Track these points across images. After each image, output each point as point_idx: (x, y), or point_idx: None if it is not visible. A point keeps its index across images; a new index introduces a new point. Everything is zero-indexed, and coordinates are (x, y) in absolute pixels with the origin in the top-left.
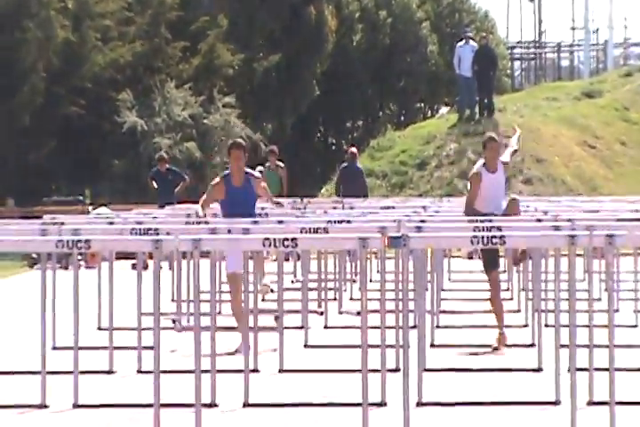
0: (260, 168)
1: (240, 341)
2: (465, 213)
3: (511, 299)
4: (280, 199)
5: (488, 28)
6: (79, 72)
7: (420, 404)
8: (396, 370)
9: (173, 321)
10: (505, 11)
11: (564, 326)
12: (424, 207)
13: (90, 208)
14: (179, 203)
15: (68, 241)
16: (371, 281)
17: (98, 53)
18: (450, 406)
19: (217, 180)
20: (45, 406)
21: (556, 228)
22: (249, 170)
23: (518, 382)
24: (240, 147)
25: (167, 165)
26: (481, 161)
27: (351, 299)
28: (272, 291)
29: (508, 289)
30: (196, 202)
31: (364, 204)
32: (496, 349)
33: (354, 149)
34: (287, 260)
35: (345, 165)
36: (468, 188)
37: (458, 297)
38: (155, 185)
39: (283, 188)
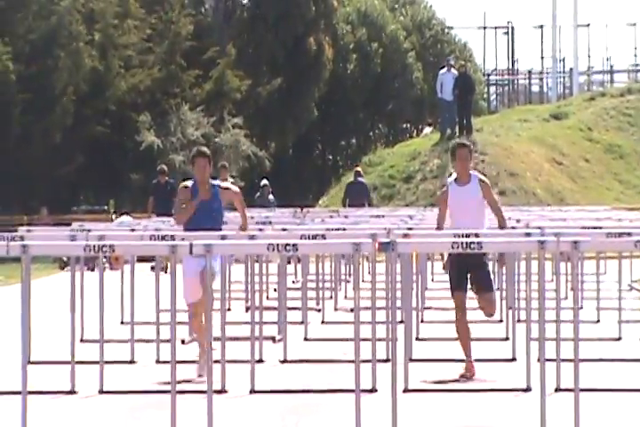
0: (264, 181)
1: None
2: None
3: None
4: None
5: (467, 57)
6: (104, 96)
7: (406, 390)
8: (386, 360)
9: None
10: (482, 42)
11: (534, 321)
12: (410, 216)
13: (113, 216)
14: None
15: (94, 246)
16: (363, 281)
17: (121, 79)
18: (433, 392)
19: (184, 185)
20: (74, 392)
21: (528, 234)
22: (215, 181)
23: (494, 371)
24: (204, 155)
25: (166, 178)
26: (453, 175)
27: (345, 297)
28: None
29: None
30: None
31: (357, 213)
32: (464, 376)
33: (358, 168)
34: (289, 262)
35: (351, 180)
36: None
37: (440, 296)
38: (151, 200)
39: None
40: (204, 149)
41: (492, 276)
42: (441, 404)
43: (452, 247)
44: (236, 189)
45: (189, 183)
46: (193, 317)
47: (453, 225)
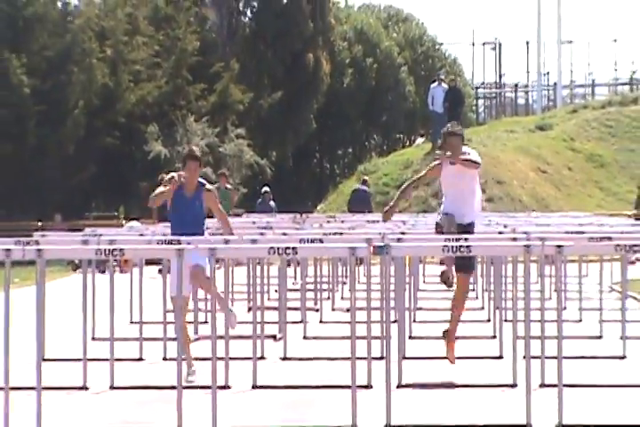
0: (266, 188)
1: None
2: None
3: (476, 298)
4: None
5: (456, 72)
6: (114, 109)
7: (400, 386)
8: (380, 358)
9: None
10: (471, 57)
11: (520, 320)
12: (403, 222)
13: (123, 222)
14: None
15: (105, 249)
16: (359, 283)
17: (130, 93)
18: (425, 388)
19: (171, 177)
20: (86, 388)
21: (514, 239)
22: (203, 181)
23: (482, 367)
24: (196, 159)
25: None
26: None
27: (342, 298)
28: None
29: (473, 290)
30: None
31: (353, 218)
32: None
33: (366, 177)
34: (289, 265)
35: (356, 187)
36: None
37: (432, 296)
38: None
39: (231, 206)
40: (196, 151)
41: (473, 261)
42: (432, 399)
43: (443, 251)
44: (215, 193)
45: (176, 175)
46: (182, 315)
47: (446, 204)
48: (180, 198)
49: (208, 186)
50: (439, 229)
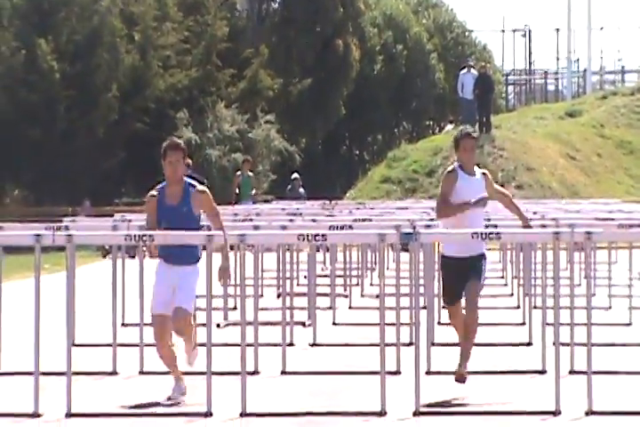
0: (295, 175)
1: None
2: (438, 217)
3: (505, 285)
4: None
5: (486, 59)
6: (144, 94)
7: (428, 373)
8: (409, 344)
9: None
10: (500, 44)
11: (549, 307)
12: (432, 208)
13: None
14: None
15: (134, 235)
16: (387, 269)
17: (159, 79)
18: (453, 374)
19: (151, 194)
20: (116, 373)
21: (543, 226)
22: (192, 181)
23: (511, 354)
24: (178, 148)
25: (189, 171)
26: (455, 163)
27: (371, 284)
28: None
29: (502, 277)
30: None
31: (382, 205)
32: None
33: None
34: (318, 251)
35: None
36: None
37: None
38: None
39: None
40: (177, 140)
41: (484, 271)
42: (461, 386)
43: (472, 237)
44: (208, 194)
45: (155, 192)
46: (159, 338)
47: (453, 223)
48: (164, 209)
49: (199, 187)
50: (448, 261)
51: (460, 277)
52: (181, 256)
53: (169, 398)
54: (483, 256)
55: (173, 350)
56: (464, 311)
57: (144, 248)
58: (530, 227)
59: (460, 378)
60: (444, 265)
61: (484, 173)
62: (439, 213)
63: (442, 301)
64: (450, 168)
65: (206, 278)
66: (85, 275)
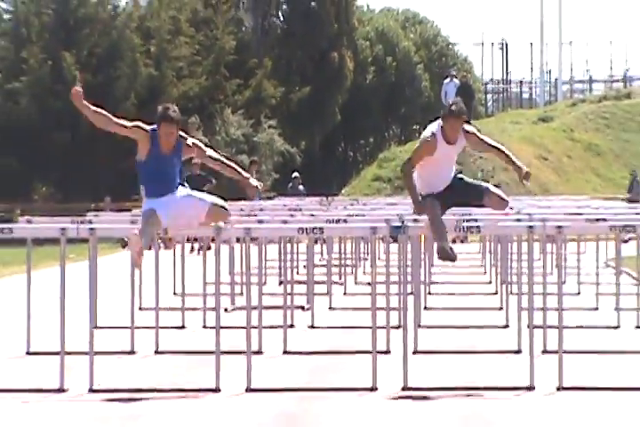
0: (295, 174)
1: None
2: (404, 182)
3: (485, 273)
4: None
5: (467, 69)
6: (160, 101)
7: (415, 352)
8: (398, 327)
9: (225, 309)
10: (480, 56)
11: (524, 293)
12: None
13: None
14: None
15: None
16: (378, 259)
17: (173, 87)
18: (438, 353)
19: (145, 127)
20: (134, 353)
21: (519, 220)
22: (181, 133)
23: (490, 336)
24: (171, 120)
25: (197, 170)
26: (436, 125)
27: (364, 273)
28: None
29: (482, 266)
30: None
31: (374, 201)
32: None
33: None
34: (316, 243)
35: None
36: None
37: (445, 271)
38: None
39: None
40: (172, 111)
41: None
42: (445, 364)
43: (455, 230)
44: (201, 144)
45: (148, 129)
46: (144, 228)
47: (429, 181)
48: (157, 154)
49: (189, 139)
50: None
51: (445, 193)
52: (172, 186)
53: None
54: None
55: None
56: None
57: (159, 240)
58: (528, 174)
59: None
60: (428, 196)
61: (467, 133)
62: (402, 174)
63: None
64: (429, 133)
65: (215, 266)
66: (106, 264)
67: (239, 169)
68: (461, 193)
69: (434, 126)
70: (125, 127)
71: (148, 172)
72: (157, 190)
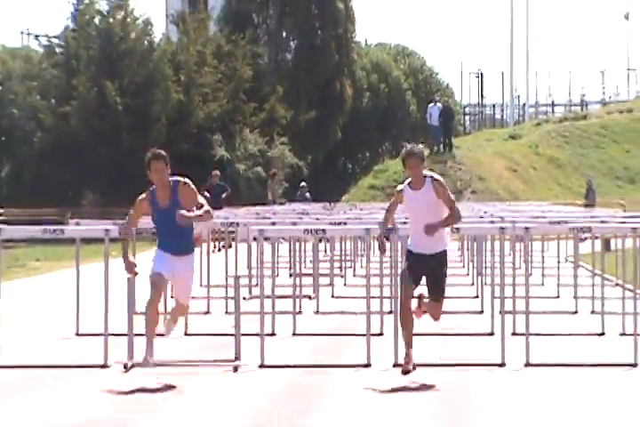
0: (303, 183)
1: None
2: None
3: (463, 267)
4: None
5: (448, 95)
6: (188, 122)
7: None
8: (390, 312)
9: (244, 298)
10: (459, 83)
11: (497, 284)
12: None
13: (194, 209)
14: (221, 207)
15: None
16: (373, 255)
17: (199, 110)
18: (423, 335)
19: (143, 196)
20: (161, 335)
21: (492, 222)
22: (177, 178)
23: (466, 320)
24: (159, 157)
25: (217, 180)
26: (407, 181)
27: (361, 267)
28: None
29: (461, 261)
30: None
31: (369, 206)
32: (405, 369)
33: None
34: (320, 242)
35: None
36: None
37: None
38: (206, 194)
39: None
40: (159, 151)
41: (445, 281)
42: (429, 344)
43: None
44: (190, 186)
45: (146, 193)
46: (153, 297)
47: (412, 231)
48: (159, 213)
49: (182, 180)
50: (410, 255)
51: (421, 269)
52: (179, 248)
53: (143, 360)
54: (442, 263)
55: (159, 316)
56: (428, 305)
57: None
58: (440, 224)
59: (409, 371)
60: (408, 257)
61: (435, 180)
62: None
63: (400, 280)
64: (400, 187)
65: (235, 262)
66: (143, 260)
67: (197, 213)
68: (427, 281)
69: (407, 180)
70: (136, 212)
71: (158, 227)
72: (166, 246)
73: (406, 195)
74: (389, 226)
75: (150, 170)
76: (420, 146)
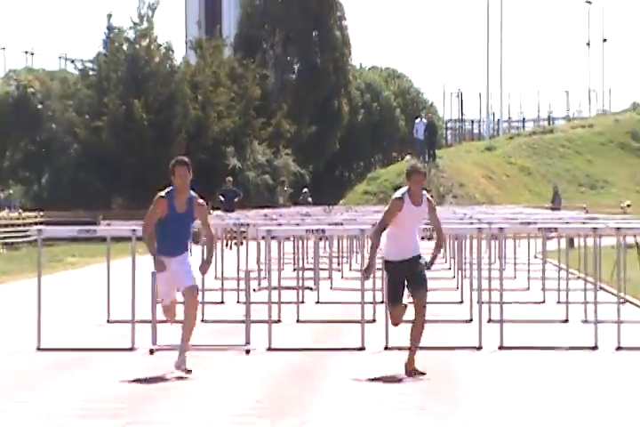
0: (305, 189)
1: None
2: (371, 238)
3: (445, 262)
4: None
5: (432, 112)
6: (205, 135)
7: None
8: (381, 302)
9: (254, 290)
10: (442, 101)
11: (475, 277)
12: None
13: (211, 212)
14: (233, 210)
15: (198, 229)
16: (367, 252)
17: (215, 125)
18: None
19: (161, 195)
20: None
21: (471, 223)
22: (194, 193)
23: (448, 309)
24: (184, 163)
25: (230, 185)
26: (404, 189)
27: (356, 262)
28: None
29: (443, 257)
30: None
31: (363, 209)
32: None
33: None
34: (320, 240)
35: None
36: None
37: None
38: (221, 198)
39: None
40: (184, 158)
41: (426, 277)
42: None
43: (423, 231)
44: (205, 207)
45: (165, 193)
46: (169, 318)
47: (394, 242)
48: (174, 213)
49: (200, 200)
50: (390, 265)
51: (402, 279)
52: (177, 249)
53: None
54: (419, 257)
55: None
56: (414, 314)
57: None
58: (436, 256)
59: (412, 371)
60: (387, 268)
61: (428, 200)
62: (372, 235)
63: (387, 302)
64: (399, 195)
65: (246, 258)
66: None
67: (210, 251)
68: (409, 284)
69: (402, 190)
70: (157, 209)
71: (163, 229)
72: (165, 249)
73: (406, 207)
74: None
75: (175, 175)
76: (408, 157)
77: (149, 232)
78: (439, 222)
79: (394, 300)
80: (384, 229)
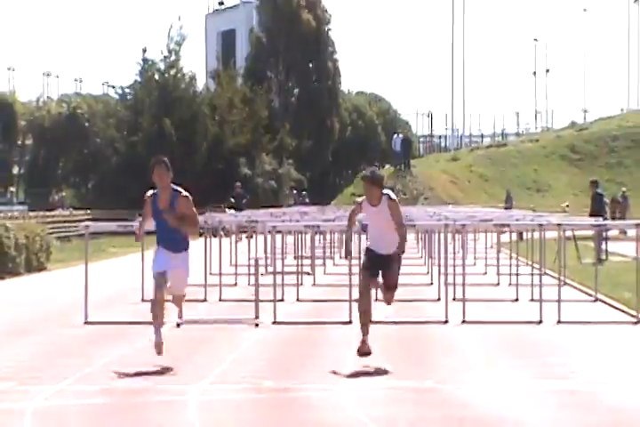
0: (304, 192)
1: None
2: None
3: (418, 252)
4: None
5: (408, 129)
6: (222, 148)
7: (376, 300)
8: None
9: (262, 274)
10: (415, 121)
11: (443, 265)
12: None
13: (227, 210)
14: (242, 209)
15: (207, 227)
16: (354, 244)
17: (230, 140)
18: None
19: (148, 195)
20: (205, 300)
21: (439, 220)
22: (177, 188)
23: (419, 291)
24: (161, 163)
25: (240, 190)
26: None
27: None
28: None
29: (416, 249)
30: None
31: (350, 208)
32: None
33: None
34: (316, 233)
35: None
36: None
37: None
38: (232, 200)
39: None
40: (162, 157)
41: (398, 275)
42: (394, 307)
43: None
44: (189, 199)
45: (151, 192)
46: (156, 293)
47: (371, 235)
48: (157, 211)
49: (183, 193)
50: (369, 251)
51: (378, 264)
52: (177, 245)
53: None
54: (392, 260)
55: (164, 306)
56: (383, 292)
57: (222, 231)
58: (400, 253)
59: (367, 352)
60: (366, 253)
61: (389, 199)
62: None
63: (359, 275)
64: (360, 199)
65: (255, 248)
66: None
67: (181, 221)
68: (382, 274)
69: (360, 199)
70: (146, 210)
71: (156, 226)
72: (162, 242)
73: (365, 208)
74: (354, 229)
75: (154, 174)
76: (374, 168)
77: (141, 227)
78: (399, 218)
79: (366, 274)
80: (351, 225)
